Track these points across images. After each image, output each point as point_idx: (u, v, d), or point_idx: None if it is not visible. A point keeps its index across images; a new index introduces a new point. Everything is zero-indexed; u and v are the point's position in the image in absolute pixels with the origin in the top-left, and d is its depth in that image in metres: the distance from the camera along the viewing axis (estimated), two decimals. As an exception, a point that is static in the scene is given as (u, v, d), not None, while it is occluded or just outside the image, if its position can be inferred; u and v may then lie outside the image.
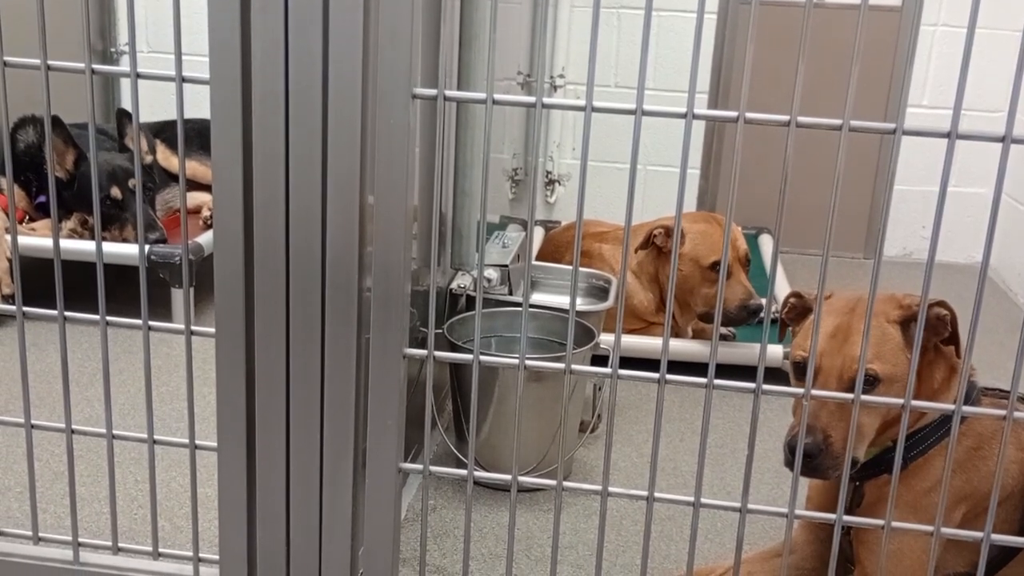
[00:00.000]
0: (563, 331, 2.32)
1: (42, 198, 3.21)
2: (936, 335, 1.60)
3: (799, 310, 1.75)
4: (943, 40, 4.15)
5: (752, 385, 1.21)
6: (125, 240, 3.10)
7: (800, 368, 1.62)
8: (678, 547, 2.03)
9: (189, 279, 1.32)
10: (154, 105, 3.83)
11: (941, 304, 1.58)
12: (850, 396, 1.21)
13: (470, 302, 2.47)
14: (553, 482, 1.30)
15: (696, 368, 2.71)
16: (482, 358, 1.26)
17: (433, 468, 1.32)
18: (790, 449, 1.57)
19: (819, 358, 1.58)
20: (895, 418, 1.62)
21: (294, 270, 1.24)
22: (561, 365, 1.25)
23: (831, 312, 1.62)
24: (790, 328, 1.80)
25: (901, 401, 1.20)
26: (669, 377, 1.22)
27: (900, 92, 4.17)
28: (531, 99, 1.16)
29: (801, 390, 1.24)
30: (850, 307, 1.62)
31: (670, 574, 1.92)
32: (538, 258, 3.20)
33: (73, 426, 1.40)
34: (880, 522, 1.25)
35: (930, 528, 1.24)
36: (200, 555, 1.42)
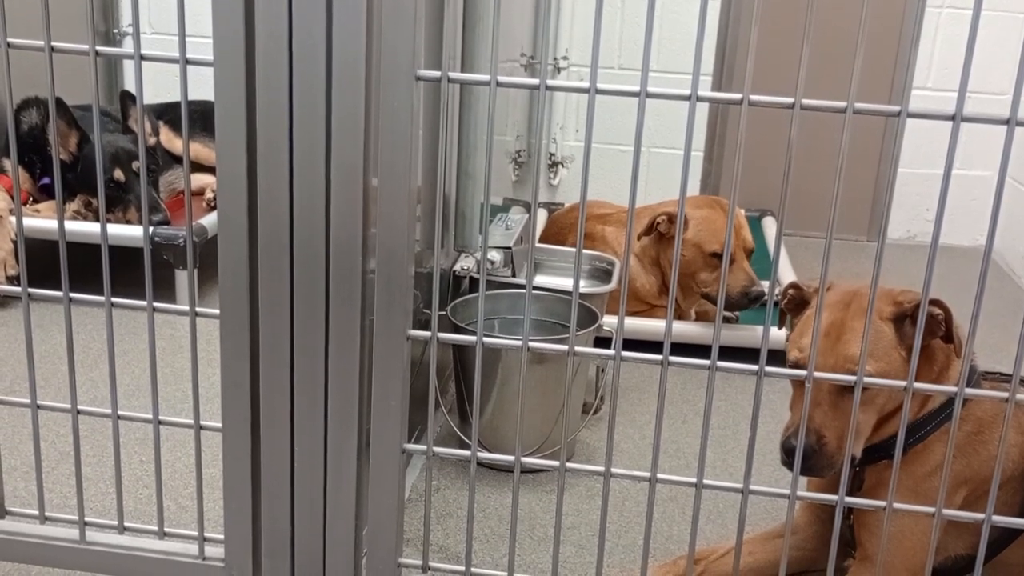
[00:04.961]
0: (566, 313, 2.33)
1: (45, 180, 3.21)
2: (931, 334, 1.59)
3: (798, 301, 1.75)
4: (948, 22, 4.13)
5: (755, 367, 1.22)
6: (128, 222, 3.10)
7: (796, 368, 1.62)
8: (680, 528, 2.04)
9: (193, 261, 1.32)
10: (157, 87, 3.82)
11: (935, 303, 1.57)
12: (852, 379, 1.22)
13: (473, 284, 2.47)
14: (556, 463, 1.30)
15: (699, 350, 2.72)
16: (485, 340, 1.26)
17: (437, 449, 1.33)
18: (785, 450, 1.57)
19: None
20: (890, 415, 1.62)
21: (298, 252, 1.24)
22: (564, 347, 1.25)
23: (825, 307, 1.61)
24: (789, 318, 1.79)
25: (903, 383, 1.21)
26: (672, 359, 1.22)
27: (905, 74, 4.16)
28: (535, 81, 1.15)
29: (803, 372, 1.24)
30: (845, 302, 1.61)
31: (672, 555, 1.93)
32: (541, 240, 3.20)
33: (78, 407, 1.41)
34: (882, 503, 1.26)
35: (931, 509, 1.25)
36: (205, 534, 1.43)
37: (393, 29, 1.14)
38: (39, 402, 1.42)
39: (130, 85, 4.06)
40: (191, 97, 1.27)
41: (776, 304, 1.93)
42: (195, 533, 1.44)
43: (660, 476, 1.28)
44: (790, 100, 1.10)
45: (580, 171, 4.19)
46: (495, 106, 1.19)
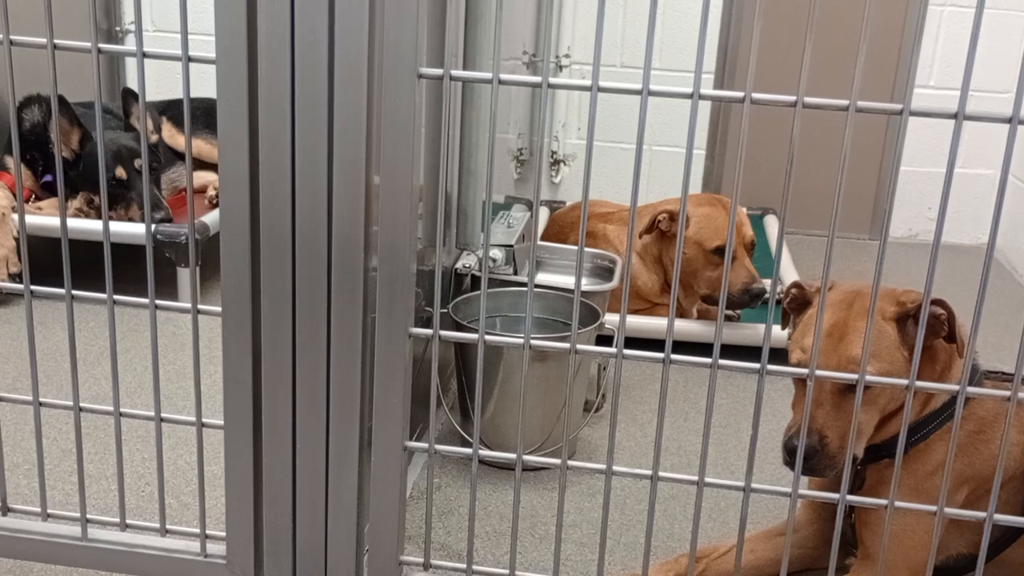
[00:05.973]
0: (568, 311, 2.33)
1: (48, 177, 3.21)
2: (934, 335, 1.59)
3: (800, 301, 1.74)
4: (951, 20, 4.13)
5: (756, 365, 1.22)
6: (131, 219, 3.10)
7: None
8: (681, 526, 2.04)
9: (195, 258, 1.32)
10: (159, 84, 3.83)
11: (938, 303, 1.57)
12: (853, 377, 1.22)
13: (475, 282, 2.47)
14: (557, 461, 1.30)
15: (700, 348, 2.72)
16: (487, 338, 1.26)
17: (438, 447, 1.33)
18: (788, 451, 1.58)
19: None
20: (891, 415, 1.62)
21: (300, 249, 1.24)
22: (566, 345, 1.25)
23: (828, 307, 1.60)
24: (792, 317, 1.79)
25: (905, 382, 1.21)
26: (674, 357, 1.22)
27: (907, 72, 4.15)
28: (537, 79, 1.15)
29: (805, 371, 1.24)
30: (848, 302, 1.61)
31: (673, 553, 1.93)
32: (543, 238, 3.20)
33: (81, 404, 1.41)
34: (883, 502, 1.26)
35: (933, 508, 1.25)
36: (207, 532, 1.43)
37: (395, 26, 1.14)
38: (41, 399, 1.42)
39: (132, 82, 4.06)
40: (193, 94, 1.27)
41: (778, 303, 1.93)
42: (197, 530, 1.44)
43: (662, 474, 1.28)
44: (792, 98, 1.10)
45: (582, 169, 4.18)
46: (497, 104, 1.18)
